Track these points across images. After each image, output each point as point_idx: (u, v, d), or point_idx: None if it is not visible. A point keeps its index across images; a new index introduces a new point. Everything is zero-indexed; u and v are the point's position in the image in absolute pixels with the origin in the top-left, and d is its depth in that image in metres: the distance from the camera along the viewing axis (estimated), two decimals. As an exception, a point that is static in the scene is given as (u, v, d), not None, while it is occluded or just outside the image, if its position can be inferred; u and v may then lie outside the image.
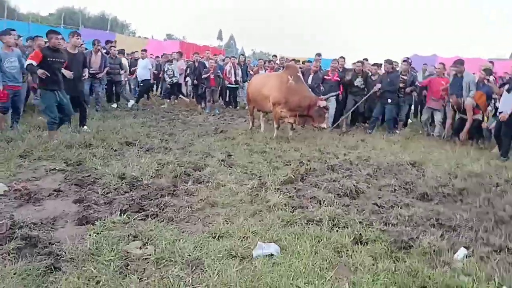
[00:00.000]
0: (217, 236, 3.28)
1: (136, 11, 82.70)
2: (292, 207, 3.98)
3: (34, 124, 7.20)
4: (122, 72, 11.08)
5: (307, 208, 4.00)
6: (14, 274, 2.54)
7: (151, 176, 4.80)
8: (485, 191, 4.80)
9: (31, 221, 3.40)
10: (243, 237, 3.24)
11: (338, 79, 9.48)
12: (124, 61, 11.91)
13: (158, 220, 3.57)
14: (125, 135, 6.98)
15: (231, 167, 5.44)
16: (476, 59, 15.96)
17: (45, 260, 2.76)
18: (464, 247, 3.11)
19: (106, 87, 10.68)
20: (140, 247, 3.04)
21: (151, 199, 4.08)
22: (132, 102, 11.15)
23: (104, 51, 10.48)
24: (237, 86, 12.33)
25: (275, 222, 3.57)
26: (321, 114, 7.21)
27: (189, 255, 2.89)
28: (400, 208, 4.08)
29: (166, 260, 2.83)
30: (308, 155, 6.37)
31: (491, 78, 8.01)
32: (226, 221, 3.61)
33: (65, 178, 4.71)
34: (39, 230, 3.24)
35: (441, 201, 4.51)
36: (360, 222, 3.60)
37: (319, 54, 11.51)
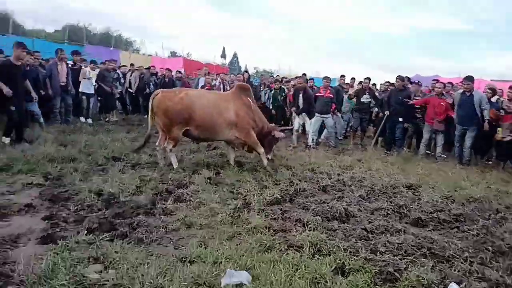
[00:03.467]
0: (187, 260, 3.02)
1: (142, 29, 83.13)
2: (274, 230, 3.72)
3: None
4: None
5: (290, 231, 3.73)
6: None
7: (130, 193, 4.56)
8: (483, 218, 4.51)
9: (-8, 238, 3.19)
10: (215, 263, 2.98)
11: (331, 95, 9.64)
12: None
13: (126, 241, 3.31)
14: (113, 150, 6.78)
15: (217, 185, 5.20)
16: (478, 80, 15.80)
17: (-8, 282, 2.52)
18: (456, 282, 2.81)
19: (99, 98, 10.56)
20: (100, 271, 2.79)
21: (125, 218, 3.83)
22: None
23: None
24: None
25: (253, 246, 3.30)
26: (272, 145, 6.69)
27: (150, 282, 2.62)
28: (391, 234, 3.80)
29: (123, 287, 2.57)
30: (300, 175, 6.12)
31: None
32: (200, 243, 3.36)
33: (40, 193, 4.50)
34: (-3, 248, 3.02)
35: (436, 228, 4.22)
36: (344, 249, 3.32)
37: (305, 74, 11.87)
